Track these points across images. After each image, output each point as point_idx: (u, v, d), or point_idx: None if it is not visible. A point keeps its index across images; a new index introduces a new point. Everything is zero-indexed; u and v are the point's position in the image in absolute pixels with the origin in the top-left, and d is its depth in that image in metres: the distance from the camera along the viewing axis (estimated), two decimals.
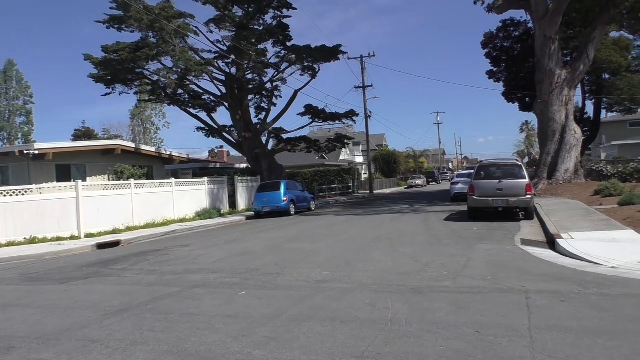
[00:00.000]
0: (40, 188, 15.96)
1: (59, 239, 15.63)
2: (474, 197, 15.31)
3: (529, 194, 14.70)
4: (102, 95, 30.38)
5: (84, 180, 23.86)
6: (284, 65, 32.59)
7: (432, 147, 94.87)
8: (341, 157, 65.07)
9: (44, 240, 15.37)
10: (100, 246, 14.53)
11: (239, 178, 26.53)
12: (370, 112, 47.16)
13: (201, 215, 22.08)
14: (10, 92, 69.32)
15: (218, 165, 38.84)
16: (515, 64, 34.25)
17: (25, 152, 20.83)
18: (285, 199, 22.29)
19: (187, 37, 29.11)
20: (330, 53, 30.27)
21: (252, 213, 22.99)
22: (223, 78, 30.79)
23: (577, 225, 12.23)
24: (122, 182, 19.24)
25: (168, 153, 29.46)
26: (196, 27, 29.27)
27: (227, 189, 25.21)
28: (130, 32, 26.85)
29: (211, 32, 30.08)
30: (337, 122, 36.96)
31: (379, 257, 9.39)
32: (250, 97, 35.15)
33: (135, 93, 31.66)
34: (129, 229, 17.83)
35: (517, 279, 6.79)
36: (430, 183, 64.34)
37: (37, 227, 15.43)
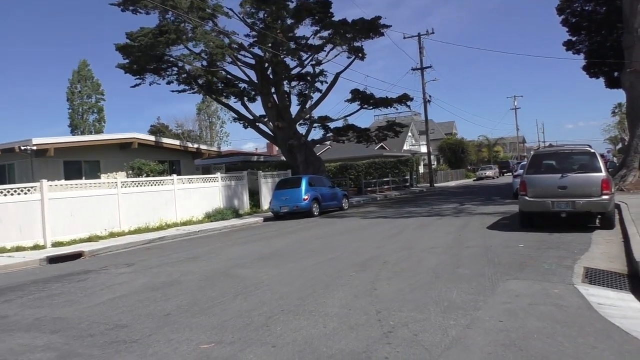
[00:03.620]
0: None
1: (18, 248, 13.35)
2: (527, 198, 11.15)
3: (606, 194, 10.35)
4: (131, 87, 27.47)
5: (98, 177, 21.95)
6: (328, 47, 29.24)
7: (510, 134, 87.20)
8: (405, 147, 60.64)
9: (2, 250, 13.14)
10: (54, 260, 12.01)
11: (263, 173, 23.48)
12: (430, 96, 42.72)
13: (212, 216, 19.32)
14: (83, 90, 71.42)
15: (262, 159, 36.37)
16: (598, 31, 28.44)
17: (23, 147, 19.03)
18: (306, 197, 18.96)
19: (216, 18, 26.53)
20: (370, 27, 26.44)
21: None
22: (253, 62, 27.92)
23: None
24: (104, 180, 16.80)
25: (195, 147, 27.03)
26: (230, 9, 26.56)
27: (246, 186, 22.27)
28: (146, 13, 24.55)
29: (250, 14, 27.21)
30: (389, 107, 33.05)
31: (332, 305, 5.84)
32: (293, 84, 32.26)
33: (168, 83, 29.62)
34: (112, 235, 15.33)
35: None
36: (505, 174, 58.17)
37: None
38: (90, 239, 14.53)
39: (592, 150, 11.08)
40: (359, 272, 7.66)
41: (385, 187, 36.16)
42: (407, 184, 39.49)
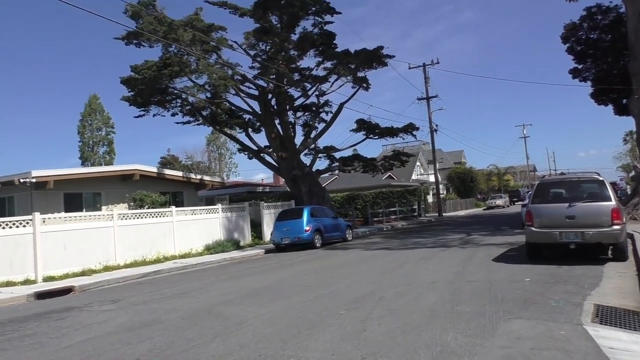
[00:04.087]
0: None
1: (8, 283, 12.98)
2: (533, 229, 10.59)
3: (617, 224, 9.77)
4: (135, 117, 27.44)
5: (99, 209, 21.70)
6: (333, 77, 29.25)
7: (520, 163, 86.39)
8: (413, 177, 60.16)
9: None
10: (42, 295, 11.59)
11: (265, 204, 23.08)
12: (437, 125, 42.33)
13: (212, 248, 18.86)
14: (94, 123, 72.24)
15: (267, 189, 36.03)
16: (604, 59, 28.17)
17: (22, 180, 18.86)
18: (308, 228, 18.47)
19: (220, 50, 26.66)
20: (373, 57, 26.39)
21: None
22: (257, 93, 27.89)
23: None
24: (101, 212, 16.49)
25: (198, 178, 26.79)
26: (235, 42, 26.73)
27: (248, 217, 21.85)
28: (149, 47, 24.74)
29: (253, 45, 27.37)
30: (395, 137, 32.76)
31: (314, 349, 5.32)
32: (298, 114, 32.20)
33: (172, 115, 29.63)
34: (106, 268, 14.91)
35: None
36: (515, 203, 57.24)
37: None
38: (83, 273, 14.11)
39: (601, 178, 10.55)
40: (350, 311, 7.14)
41: (393, 217, 35.58)
42: (415, 213, 38.86)
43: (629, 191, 30.65)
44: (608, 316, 6.18)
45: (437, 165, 69.81)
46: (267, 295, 9.11)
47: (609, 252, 10.70)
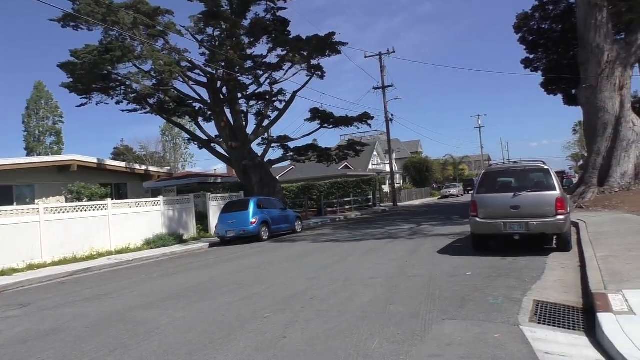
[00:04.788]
0: None
1: None
2: (477, 220, 10.22)
3: (561, 214, 9.49)
4: (77, 106, 25.88)
5: (32, 202, 20.23)
6: (287, 65, 28.40)
7: (475, 152, 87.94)
8: (370, 167, 60.06)
9: None
10: None
11: (212, 195, 22.15)
12: (392, 115, 42.15)
13: (152, 243, 17.86)
14: (40, 112, 68.70)
15: (219, 180, 34.91)
16: (555, 49, 28.43)
17: None
18: (254, 220, 17.71)
19: (167, 35, 25.32)
20: (325, 44, 25.68)
21: None
22: (205, 80, 26.77)
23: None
24: (25, 207, 15.24)
25: (143, 169, 25.53)
26: (184, 27, 25.41)
27: (193, 210, 20.90)
28: (88, 30, 23.22)
29: (202, 30, 26.12)
30: (350, 126, 32.20)
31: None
32: (252, 103, 31.25)
33: (117, 103, 28.09)
34: (30, 267, 13.74)
35: None
36: (469, 192, 58.07)
37: None
38: (3, 273, 12.93)
39: (546, 167, 10.25)
40: (276, 313, 6.50)
41: (347, 207, 35.23)
42: (370, 203, 38.65)
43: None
44: (547, 314, 5.78)
45: (394, 155, 70.12)
46: (194, 295, 8.37)
47: (554, 243, 10.47)
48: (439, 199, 51.28)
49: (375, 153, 62.84)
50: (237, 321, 6.24)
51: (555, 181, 9.88)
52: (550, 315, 5.75)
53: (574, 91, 27.07)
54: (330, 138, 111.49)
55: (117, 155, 72.83)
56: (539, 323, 5.46)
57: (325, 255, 12.37)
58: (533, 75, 30.49)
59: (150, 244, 17.80)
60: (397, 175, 65.25)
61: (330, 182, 38.72)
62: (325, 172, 42.49)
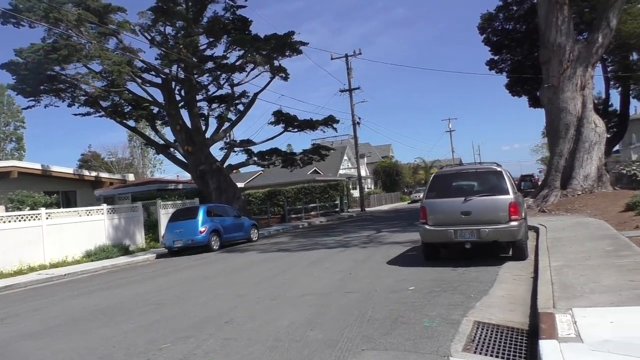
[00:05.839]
0: None
1: None
2: (427, 227, 9.39)
3: (514, 219, 8.74)
4: (24, 109, 24.39)
5: None
6: (250, 67, 27.43)
7: (447, 156, 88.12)
8: (341, 171, 59.29)
9: None
10: None
11: (163, 203, 20.94)
12: (360, 118, 41.46)
13: (94, 255, 16.61)
14: (0, 117, 66.10)
15: (180, 187, 33.60)
16: (519, 50, 28.15)
17: None
18: (203, 229, 16.62)
19: (119, 34, 24.05)
20: (284, 43, 24.81)
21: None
22: (160, 82, 25.57)
23: (595, 280, 6.34)
24: None
25: (94, 175, 24.16)
26: (139, 25, 24.13)
27: (141, 218, 19.69)
28: (29, 27, 21.81)
29: (150, 28, 24.90)
30: (315, 130, 31.31)
31: None
32: (214, 106, 30.18)
33: (69, 105, 26.63)
34: None
35: None
36: None
37: None
38: None
39: (499, 169, 9.50)
40: (177, 343, 5.52)
41: (313, 213, 34.30)
42: (337, 209, 37.79)
43: None
44: (486, 339, 4.95)
45: (365, 159, 69.61)
46: (102, 318, 7.32)
47: (510, 251, 9.73)
48: (408, 203, 50.80)
49: (345, 157, 62.12)
50: (124, 356, 5.24)
51: (509, 184, 9.15)
52: (489, 341, 4.93)
53: (538, 93, 26.82)
54: (303, 144, 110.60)
55: (84, 162, 70.39)
56: (474, 353, 4.62)
57: (268, 267, 11.41)
58: (500, 77, 30.28)
59: (91, 256, 16.55)
60: (368, 180, 64.69)
61: (297, 187, 37.78)
62: (294, 178, 41.54)
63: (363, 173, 65.27)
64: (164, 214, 20.48)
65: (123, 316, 7.31)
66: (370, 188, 60.20)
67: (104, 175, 25.27)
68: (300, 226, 26.93)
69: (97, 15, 21.90)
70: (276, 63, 27.41)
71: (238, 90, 29.20)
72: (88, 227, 17.19)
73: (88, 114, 27.20)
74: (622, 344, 4.01)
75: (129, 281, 11.49)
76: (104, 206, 18.34)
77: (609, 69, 27.69)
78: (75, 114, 27.70)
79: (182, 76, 25.01)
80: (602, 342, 4.08)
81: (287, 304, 7.08)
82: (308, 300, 7.14)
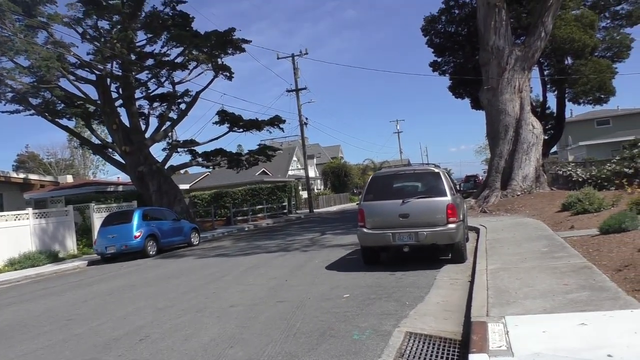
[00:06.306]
0: None
1: None
2: (365, 230, 9.10)
3: (452, 222, 8.58)
4: None
5: None
6: (193, 65, 26.54)
7: (395, 157, 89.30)
8: (290, 172, 58.77)
9: None
10: None
11: (96, 206, 19.82)
12: (307, 118, 41.24)
13: (18, 263, 15.40)
14: None
15: (120, 189, 32.10)
16: (461, 52, 28.62)
17: None
18: (138, 234, 15.74)
19: (51, 27, 22.62)
20: (225, 40, 24.14)
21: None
22: (95, 78, 24.28)
23: (529, 283, 6.19)
24: None
25: (22, 177, 22.58)
26: (71, 17, 22.68)
27: (72, 223, 18.53)
28: None
29: (95, 26, 23.55)
30: (261, 130, 30.73)
31: None
32: (155, 105, 29.02)
33: None
34: None
35: None
36: None
37: None
38: None
39: (437, 170, 9.33)
40: None
41: (260, 215, 33.66)
42: (285, 210, 37.31)
43: None
44: (417, 352, 4.65)
45: (315, 160, 69.42)
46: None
47: (449, 253, 9.57)
48: (357, 204, 50.93)
49: (295, 158, 61.70)
50: None
51: (447, 185, 8.98)
52: (420, 354, 4.64)
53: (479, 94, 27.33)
54: (256, 144, 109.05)
55: (20, 163, 66.61)
56: None
57: (201, 274, 10.80)
58: (444, 79, 30.69)
59: (15, 264, 15.34)
60: (318, 181, 64.52)
61: (245, 189, 37.00)
62: (242, 179, 40.71)
63: (312, 174, 65.07)
64: (99, 217, 19.34)
65: (24, 336, 6.57)
66: (320, 189, 60.04)
67: (33, 177, 23.62)
68: (246, 229, 26.28)
69: (24, 6, 20.51)
70: (219, 61, 26.74)
71: (180, 88, 28.37)
72: (12, 233, 15.95)
73: (17, 111, 25.53)
74: (553, 357, 3.77)
75: (47, 292, 10.59)
76: (29, 210, 17.11)
77: (545, 73, 28.57)
78: (3, 112, 26.00)
79: (119, 73, 23.91)
80: (533, 356, 3.84)
81: (212, 316, 6.56)
82: (235, 312, 6.66)
